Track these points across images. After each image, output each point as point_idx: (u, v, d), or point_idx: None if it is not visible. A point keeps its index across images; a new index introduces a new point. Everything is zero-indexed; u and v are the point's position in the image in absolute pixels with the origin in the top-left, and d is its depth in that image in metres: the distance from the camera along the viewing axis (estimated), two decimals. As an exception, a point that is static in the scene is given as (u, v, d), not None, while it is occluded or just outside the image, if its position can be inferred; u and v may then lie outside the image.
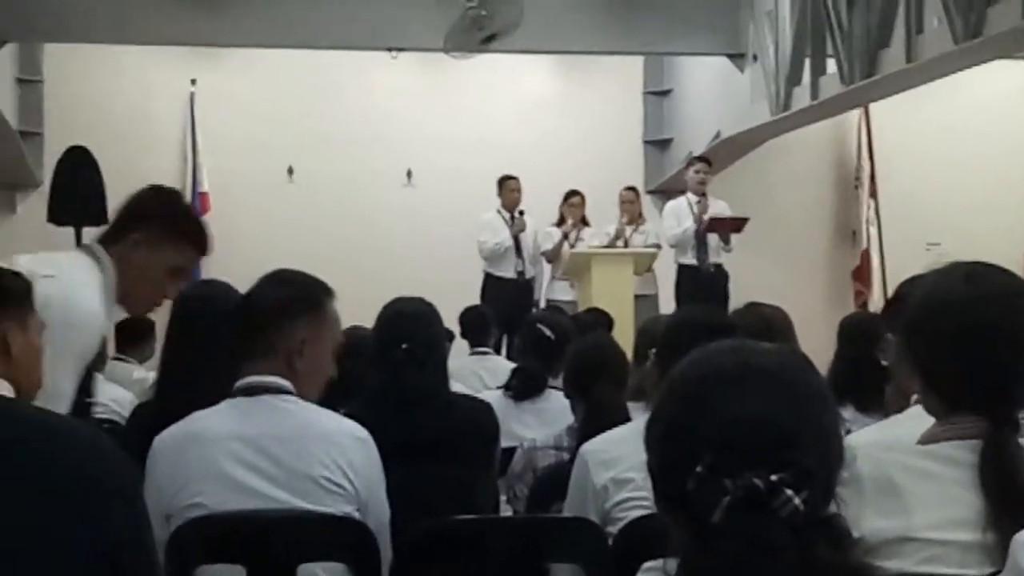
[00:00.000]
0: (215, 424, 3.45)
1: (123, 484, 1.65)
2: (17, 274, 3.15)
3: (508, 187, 12.62)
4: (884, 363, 3.42)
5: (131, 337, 8.74)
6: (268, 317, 3.51)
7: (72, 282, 3.67)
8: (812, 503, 1.67)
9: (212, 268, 12.36)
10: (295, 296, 3.57)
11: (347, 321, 5.27)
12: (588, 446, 3.86)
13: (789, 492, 1.64)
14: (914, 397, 2.66)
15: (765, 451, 1.67)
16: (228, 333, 3.87)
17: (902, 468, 2.33)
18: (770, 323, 4.54)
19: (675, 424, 1.75)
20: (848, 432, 3.48)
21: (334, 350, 3.62)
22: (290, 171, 14.23)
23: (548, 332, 5.71)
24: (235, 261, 11.91)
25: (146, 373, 8.11)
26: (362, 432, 3.52)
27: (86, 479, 1.61)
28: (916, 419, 2.51)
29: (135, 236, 3.91)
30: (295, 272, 3.68)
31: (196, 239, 4.00)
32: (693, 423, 1.72)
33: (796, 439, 1.69)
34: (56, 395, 3.55)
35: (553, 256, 12.44)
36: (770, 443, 1.68)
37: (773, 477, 1.64)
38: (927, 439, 2.38)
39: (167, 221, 4.00)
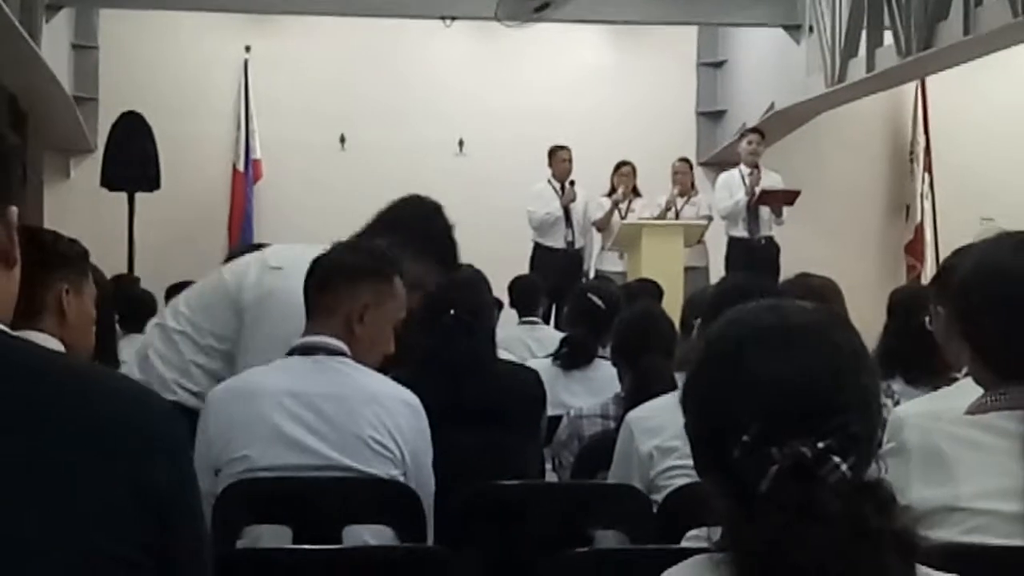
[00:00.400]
0: (268, 380, 3.49)
1: (168, 437, 1.66)
2: (74, 241, 3.20)
3: (559, 157, 12.59)
4: (931, 329, 3.40)
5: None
6: (334, 278, 3.55)
7: (298, 278, 3.71)
8: (857, 468, 1.65)
9: (262, 234, 12.52)
10: (364, 262, 3.60)
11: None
12: (634, 414, 3.86)
13: (836, 459, 1.62)
14: (964, 369, 2.65)
15: (811, 417, 1.65)
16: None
17: (950, 438, 2.32)
18: (820, 293, 4.51)
19: (716, 388, 1.74)
20: (897, 404, 3.47)
21: (395, 326, 3.63)
22: (342, 139, 14.25)
23: (598, 301, 5.69)
24: (286, 228, 12.01)
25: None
26: (412, 398, 3.55)
27: (130, 432, 1.61)
28: (965, 390, 2.49)
29: (379, 242, 3.96)
30: (369, 245, 3.73)
31: (440, 253, 4.06)
32: (735, 387, 1.70)
33: (841, 403, 1.67)
34: None
35: (603, 225, 12.42)
36: (815, 408, 1.66)
37: (820, 444, 1.63)
38: (975, 409, 2.36)
39: (412, 232, 4.08)
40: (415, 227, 4.12)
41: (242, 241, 13.09)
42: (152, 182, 11.54)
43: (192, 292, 4.17)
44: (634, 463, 3.75)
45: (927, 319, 3.48)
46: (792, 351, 1.71)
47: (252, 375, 3.55)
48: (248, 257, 4.10)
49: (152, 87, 13.38)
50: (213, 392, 3.52)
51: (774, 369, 1.69)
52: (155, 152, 11.54)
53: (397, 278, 3.63)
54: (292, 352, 3.52)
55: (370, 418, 3.41)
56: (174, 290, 8.98)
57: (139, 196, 11.53)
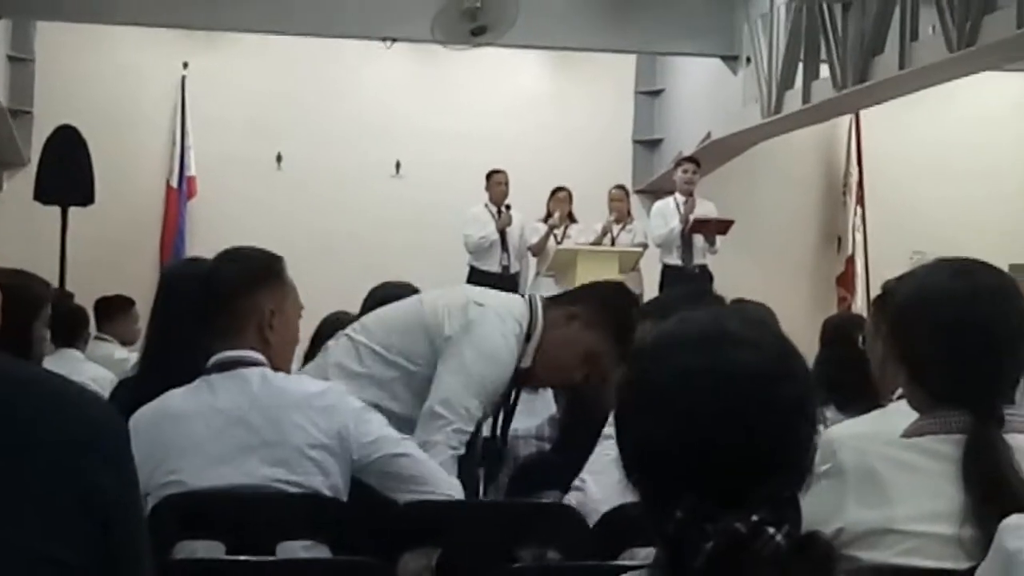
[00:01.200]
0: (190, 400, 3.43)
1: (112, 444, 1.65)
2: None
3: (495, 181, 12.62)
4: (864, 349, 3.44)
5: (109, 312, 8.71)
6: (235, 293, 3.50)
7: (497, 318, 4.04)
8: (793, 530, 1.63)
9: (195, 250, 12.43)
10: (256, 268, 3.57)
11: (330, 309, 5.30)
12: None
13: (771, 530, 1.60)
14: (898, 392, 2.66)
15: (745, 487, 1.62)
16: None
17: (885, 459, 2.33)
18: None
19: (651, 445, 1.68)
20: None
21: (298, 316, 3.63)
22: (279, 158, 14.21)
23: None
24: (219, 245, 11.80)
25: (128, 354, 8.11)
26: (333, 384, 3.56)
27: (73, 438, 1.60)
28: (897, 413, 2.51)
29: (574, 309, 4.19)
30: (247, 248, 3.69)
31: (625, 340, 4.10)
32: (671, 450, 1.66)
33: (778, 465, 1.65)
34: (454, 406, 3.99)
35: (538, 249, 12.45)
36: (750, 476, 1.63)
37: (754, 517, 1.61)
38: (911, 432, 2.38)
39: (609, 310, 4.21)
40: (612, 303, 4.27)
41: (174, 257, 13.01)
42: (86, 197, 11.42)
43: (386, 312, 4.34)
44: None
45: (862, 338, 3.51)
46: (731, 406, 1.65)
47: (174, 396, 3.47)
48: (448, 291, 4.36)
49: (88, 101, 13.28)
50: (136, 416, 3.44)
51: (713, 427, 1.65)
52: (90, 167, 11.42)
53: (286, 271, 3.61)
54: (210, 370, 3.48)
55: (302, 423, 3.37)
56: (103, 304, 8.93)
57: (72, 210, 11.41)
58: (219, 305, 3.51)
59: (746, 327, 1.73)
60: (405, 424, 3.92)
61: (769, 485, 1.63)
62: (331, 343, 4.26)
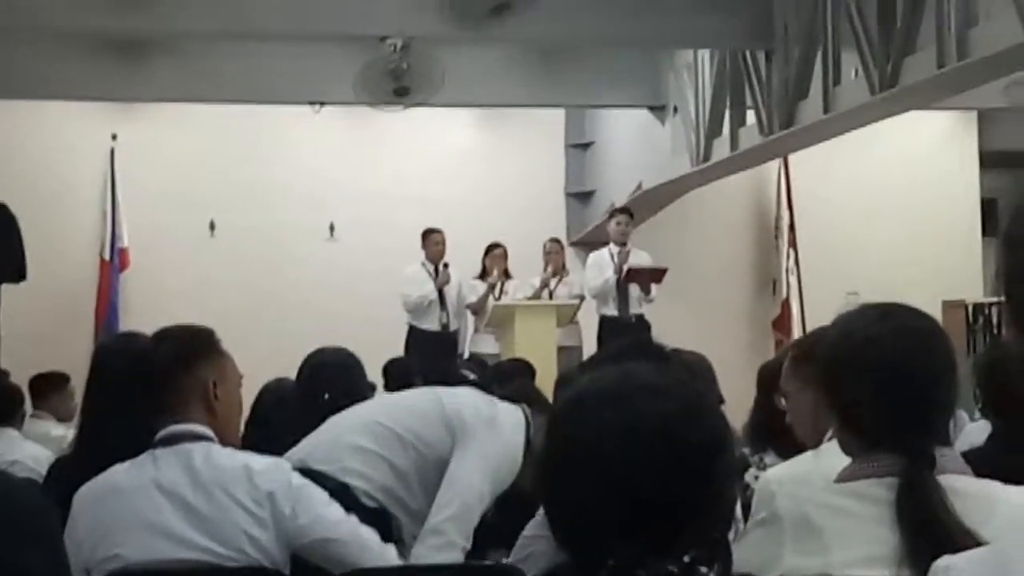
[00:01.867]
0: (134, 475, 3.44)
1: (40, 529, 1.64)
2: None
3: (432, 240, 12.63)
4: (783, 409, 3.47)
5: (44, 389, 8.64)
6: (176, 370, 3.52)
7: (513, 420, 4.27)
8: (724, 567, 1.65)
9: (130, 323, 12.37)
10: (193, 344, 3.61)
11: (270, 375, 5.29)
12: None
13: (703, 569, 1.63)
14: (828, 434, 2.68)
15: (673, 532, 1.65)
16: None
17: (820, 506, 2.34)
18: (691, 369, 4.56)
19: (575, 503, 1.70)
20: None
21: (239, 384, 3.66)
22: (212, 225, 14.15)
23: (471, 375, 5.68)
24: (156, 316, 11.78)
25: (65, 430, 8.03)
26: (276, 460, 3.55)
27: (2, 524, 1.59)
28: (836, 453, 2.52)
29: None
30: (178, 326, 3.74)
31: None
32: (596, 506, 1.67)
33: (699, 509, 1.67)
34: (474, 498, 4.09)
35: (478, 307, 12.45)
36: (676, 522, 1.65)
37: (686, 558, 1.63)
38: (845, 477, 2.39)
39: None
40: None
41: (107, 331, 12.90)
42: (18, 273, 11.32)
43: (400, 397, 4.51)
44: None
45: (780, 399, 3.54)
46: (645, 458, 1.68)
47: (118, 472, 3.48)
48: (459, 390, 4.47)
49: (17, 176, 13.16)
50: (82, 491, 3.46)
51: (629, 482, 1.67)
52: (20, 244, 11.32)
53: (220, 342, 3.64)
54: (156, 445, 3.48)
55: (240, 498, 3.38)
56: (38, 381, 8.84)
57: (4, 287, 11.30)
58: (161, 384, 3.53)
59: (654, 378, 1.75)
60: (416, 520, 4.05)
61: (695, 528, 1.65)
62: (336, 419, 4.24)
